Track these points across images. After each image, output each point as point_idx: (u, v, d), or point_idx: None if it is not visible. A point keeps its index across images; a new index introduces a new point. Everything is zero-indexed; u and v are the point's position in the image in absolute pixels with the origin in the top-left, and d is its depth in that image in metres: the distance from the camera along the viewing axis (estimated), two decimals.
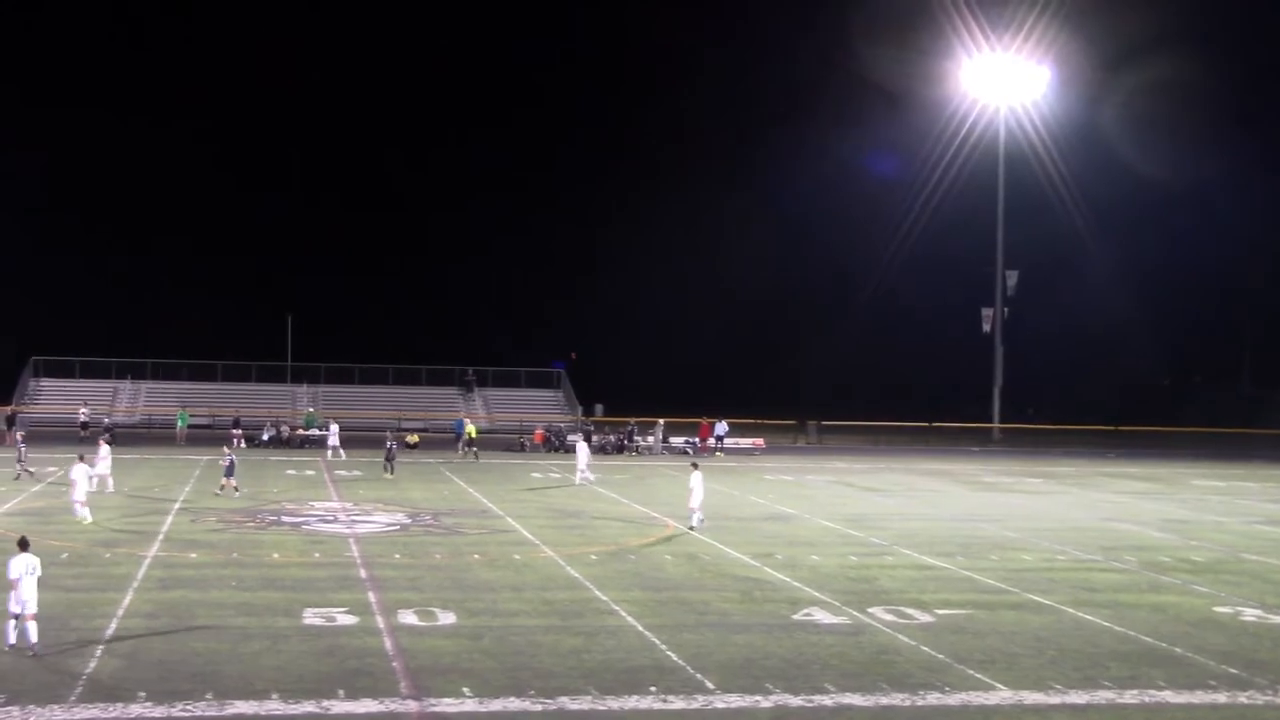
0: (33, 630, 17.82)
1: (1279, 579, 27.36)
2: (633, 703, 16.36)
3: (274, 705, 15.78)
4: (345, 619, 20.53)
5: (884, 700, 16.75)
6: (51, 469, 41.15)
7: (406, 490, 40.19)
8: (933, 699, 16.90)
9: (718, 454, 59.57)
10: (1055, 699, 17.05)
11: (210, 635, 19.17)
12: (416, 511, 34.70)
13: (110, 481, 36.68)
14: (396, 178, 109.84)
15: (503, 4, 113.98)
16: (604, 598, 22.84)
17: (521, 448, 59.70)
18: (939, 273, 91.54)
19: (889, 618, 21.66)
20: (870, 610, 22.23)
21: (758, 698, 16.70)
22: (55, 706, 15.48)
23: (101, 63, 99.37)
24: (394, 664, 17.84)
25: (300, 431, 59.39)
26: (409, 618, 20.72)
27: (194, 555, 26.35)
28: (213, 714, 15.41)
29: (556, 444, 59.33)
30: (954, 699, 16.94)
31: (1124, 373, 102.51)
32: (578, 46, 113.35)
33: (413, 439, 57.57)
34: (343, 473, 45.48)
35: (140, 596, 21.99)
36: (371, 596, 22.39)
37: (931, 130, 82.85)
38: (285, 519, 32.49)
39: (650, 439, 60.41)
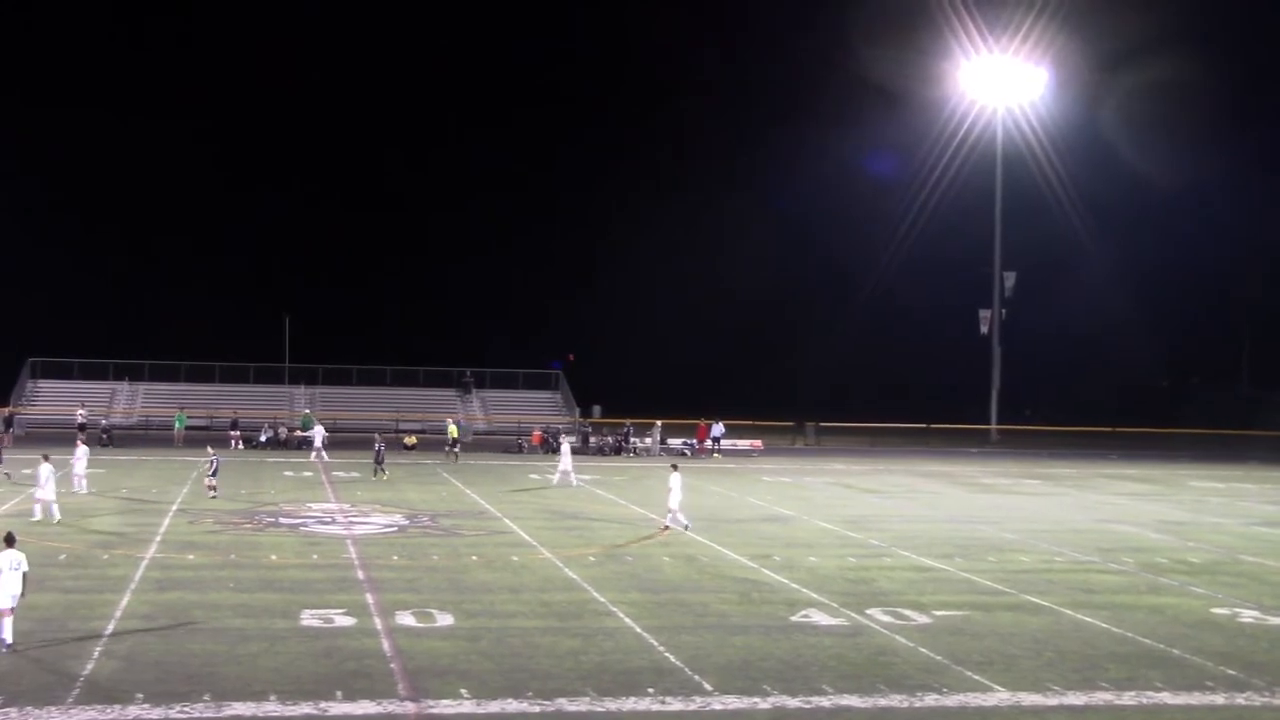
0: (7, 626, 17.86)
1: (1277, 580, 27.41)
2: (631, 704, 16.36)
3: (272, 706, 15.78)
4: (343, 620, 20.54)
5: (882, 702, 16.77)
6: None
7: (404, 491, 40.18)
8: (930, 700, 16.91)
9: (715, 455, 59.61)
10: (1053, 700, 17.06)
11: (208, 637, 19.17)
12: (414, 513, 34.69)
13: (84, 482, 36.62)
14: (396, 178, 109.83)
15: (503, 4, 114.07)
16: (602, 599, 22.84)
17: (519, 449, 59.75)
18: (937, 274, 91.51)
19: (887, 619, 21.68)
20: (868, 612, 22.24)
21: (756, 699, 16.71)
22: (53, 708, 15.48)
23: (101, 63, 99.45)
24: (392, 665, 17.84)
25: (298, 433, 59.38)
26: (407, 619, 20.72)
27: (192, 557, 26.35)
28: (210, 715, 15.42)
29: (554, 445, 59.26)
30: (952, 700, 16.95)
31: (1122, 374, 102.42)
32: (578, 46, 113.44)
33: (410, 440, 57.56)
34: (340, 474, 45.46)
35: (138, 598, 21.99)
36: (369, 598, 22.39)
37: (930, 131, 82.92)
38: (283, 520, 32.49)
39: (648, 440, 60.41)
